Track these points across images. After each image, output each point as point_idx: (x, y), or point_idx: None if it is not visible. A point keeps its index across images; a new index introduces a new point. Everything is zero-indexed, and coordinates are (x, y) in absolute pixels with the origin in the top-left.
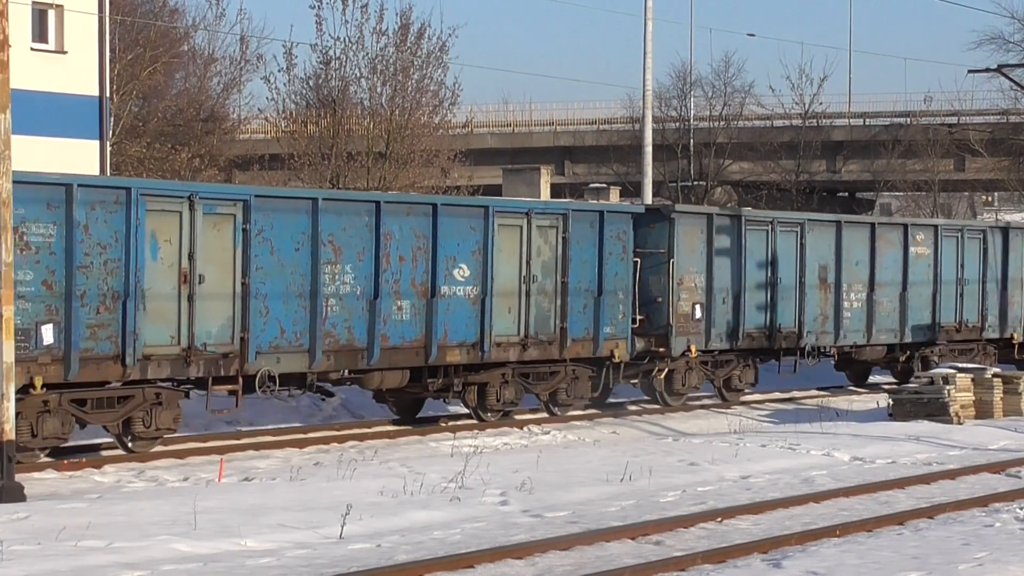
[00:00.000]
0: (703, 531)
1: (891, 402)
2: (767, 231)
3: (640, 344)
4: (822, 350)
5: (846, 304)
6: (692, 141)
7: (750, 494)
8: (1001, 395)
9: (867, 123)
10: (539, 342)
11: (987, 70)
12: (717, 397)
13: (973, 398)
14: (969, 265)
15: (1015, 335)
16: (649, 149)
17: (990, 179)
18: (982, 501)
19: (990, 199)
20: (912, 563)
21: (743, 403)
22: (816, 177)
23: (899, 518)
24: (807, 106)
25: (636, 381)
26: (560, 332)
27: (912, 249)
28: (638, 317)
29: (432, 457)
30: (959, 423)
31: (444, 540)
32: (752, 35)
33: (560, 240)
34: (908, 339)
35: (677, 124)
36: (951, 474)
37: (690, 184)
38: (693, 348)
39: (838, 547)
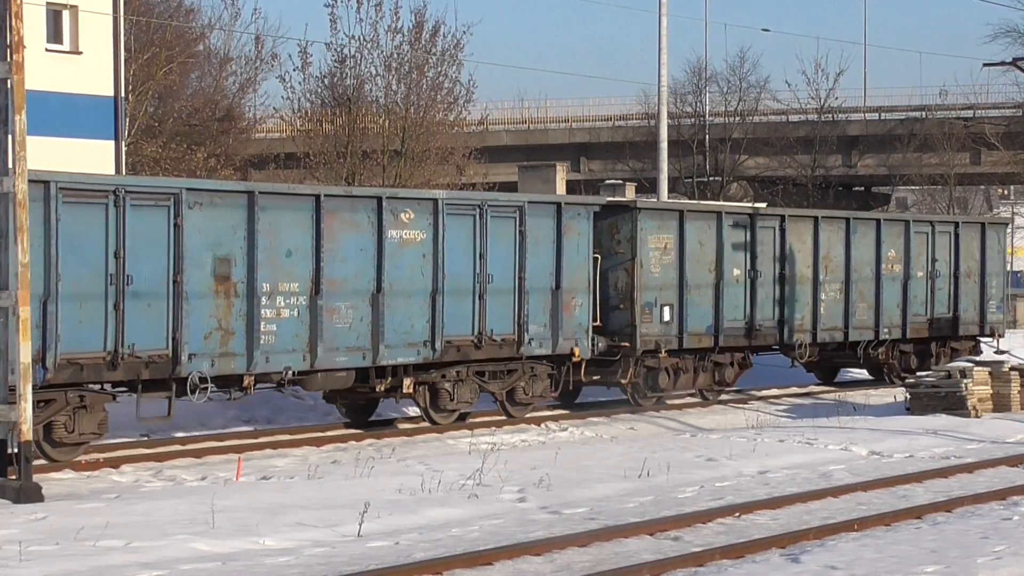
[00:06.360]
0: (721, 526)
1: (908, 396)
2: (106, 206)
3: None
4: (241, 378)
5: (270, 313)
6: (707, 137)
7: (768, 489)
8: (1019, 388)
9: (883, 117)
10: None
11: (1002, 63)
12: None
13: (990, 391)
14: (495, 255)
15: (576, 350)
16: (664, 145)
17: (1006, 172)
18: (1000, 494)
19: (1006, 192)
20: (930, 557)
21: (761, 398)
22: (832, 172)
23: (917, 512)
24: (823, 101)
25: None
26: None
27: (392, 233)
28: None
29: (450, 454)
30: (976, 416)
31: (462, 537)
32: (767, 30)
33: None
34: (387, 360)
35: (692, 120)
36: (969, 467)
37: (706, 180)
38: None
39: (856, 541)
